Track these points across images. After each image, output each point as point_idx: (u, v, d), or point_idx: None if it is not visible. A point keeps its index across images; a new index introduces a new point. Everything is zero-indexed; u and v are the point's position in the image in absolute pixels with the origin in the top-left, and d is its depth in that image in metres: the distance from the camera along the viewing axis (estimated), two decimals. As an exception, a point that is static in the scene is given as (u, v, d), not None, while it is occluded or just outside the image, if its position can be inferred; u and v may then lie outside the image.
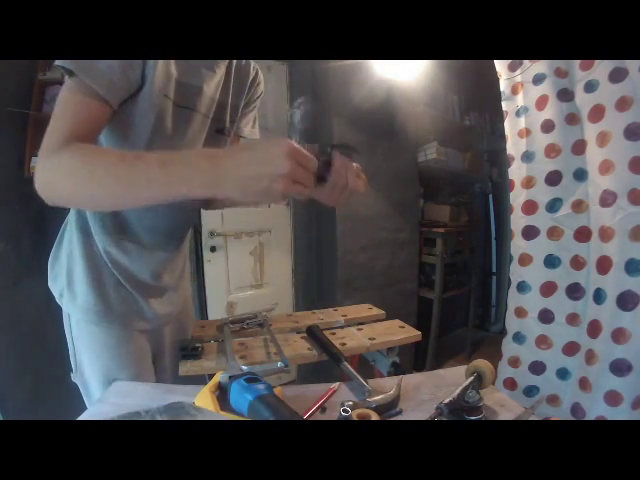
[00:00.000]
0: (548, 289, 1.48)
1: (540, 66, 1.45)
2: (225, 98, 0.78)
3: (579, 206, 1.40)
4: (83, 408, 0.63)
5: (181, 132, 0.71)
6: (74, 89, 0.56)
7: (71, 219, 0.78)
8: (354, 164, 0.61)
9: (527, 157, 1.53)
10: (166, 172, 0.49)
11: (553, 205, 1.46)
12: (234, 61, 0.78)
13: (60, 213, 0.77)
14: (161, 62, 0.62)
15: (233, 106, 0.82)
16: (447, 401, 0.58)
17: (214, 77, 0.73)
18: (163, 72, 0.63)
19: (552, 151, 1.45)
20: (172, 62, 0.65)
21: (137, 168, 0.50)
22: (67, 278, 0.75)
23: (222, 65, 0.74)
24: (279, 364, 0.77)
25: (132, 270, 0.78)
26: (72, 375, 0.79)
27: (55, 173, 0.53)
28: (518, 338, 1.57)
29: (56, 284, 0.78)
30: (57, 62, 0.55)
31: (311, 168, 0.50)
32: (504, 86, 1.60)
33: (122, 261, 0.76)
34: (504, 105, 1.62)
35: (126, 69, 0.58)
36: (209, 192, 0.49)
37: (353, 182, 0.59)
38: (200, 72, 0.70)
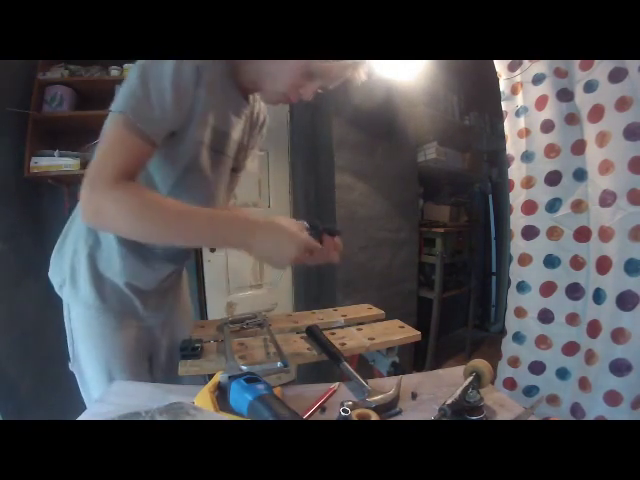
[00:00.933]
0: (548, 289, 1.48)
1: (540, 66, 1.45)
2: (243, 140, 0.85)
3: (579, 206, 1.40)
4: (83, 408, 0.63)
5: (210, 172, 0.77)
6: (125, 128, 0.59)
7: (79, 219, 0.81)
8: (337, 240, 0.81)
9: (527, 157, 1.53)
10: (212, 229, 0.64)
11: (553, 205, 1.46)
12: (251, 106, 0.83)
13: (59, 214, 0.78)
14: (202, 111, 0.68)
15: (246, 146, 0.88)
16: (450, 402, 0.58)
17: (239, 122, 0.79)
18: (203, 121, 0.69)
19: (552, 151, 1.45)
20: (211, 109, 0.70)
21: (191, 223, 0.62)
22: (70, 272, 0.79)
23: (246, 111, 0.80)
24: (279, 364, 0.77)
25: (133, 279, 0.81)
26: (70, 364, 0.83)
27: (113, 208, 0.58)
28: (518, 338, 1.57)
29: (57, 275, 0.82)
30: (112, 107, 0.60)
31: (311, 252, 0.69)
32: (504, 86, 1.60)
33: (125, 270, 0.79)
34: (504, 105, 1.62)
35: (174, 111, 0.63)
36: (239, 250, 0.65)
37: (332, 257, 0.80)
38: (230, 118, 0.76)
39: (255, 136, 0.92)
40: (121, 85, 0.63)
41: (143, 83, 0.59)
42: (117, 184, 0.57)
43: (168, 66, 0.60)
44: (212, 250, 2.09)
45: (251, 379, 0.59)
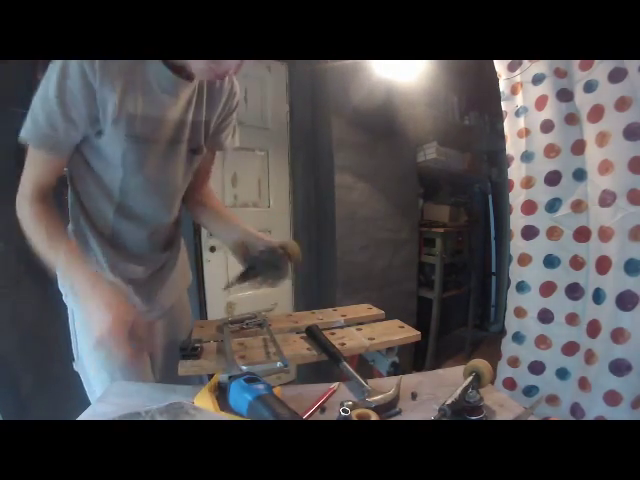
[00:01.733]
0: (547, 289, 1.48)
1: (539, 66, 1.45)
2: (198, 118, 0.79)
3: (578, 206, 1.40)
4: (83, 408, 0.63)
5: (151, 162, 0.76)
6: (31, 149, 0.71)
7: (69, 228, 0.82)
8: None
9: (526, 157, 1.53)
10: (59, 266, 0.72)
11: (552, 205, 1.46)
12: (203, 81, 0.78)
13: (59, 214, 0.78)
14: (117, 105, 0.66)
15: (206, 123, 0.82)
16: (450, 402, 0.58)
17: (178, 101, 0.73)
18: (122, 114, 0.68)
19: (551, 151, 1.45)
20: (131, 100, 0.68)
21: (48, 252, 0.71)
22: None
23: (187, 87, 0.73)
24: (278, 364, 0.77)
25: (122, 267, 0.82)
26: (74, 364, 0.84)
27: (23, 222, 0.73)
28: (517, 338, 1.57)
29: (62, 286, 0.82)
30: (20, 135, 0.70)
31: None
32: (503, 86, 1.60)
33: (113, 261, 0.81)
34: (503, 105, 1.62)
35: (68, 128, 0.67)
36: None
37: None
38: (161, 101, 0.71)
39: (221, 107, 0.84)
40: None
41: (34, 106, 0.67)
42: (31, 201, 0.72)
43: (52, 83, 0.62)
44: (212, 250, 2.09)
45: (251, 379, 0.59)
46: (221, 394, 0.61)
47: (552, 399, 1.45)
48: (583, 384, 1.31)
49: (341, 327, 1.07)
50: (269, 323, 1.03)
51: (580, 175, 1.39)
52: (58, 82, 0.61)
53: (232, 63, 0.65)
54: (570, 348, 1.42)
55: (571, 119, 1.40)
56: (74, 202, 0.80)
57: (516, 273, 1.58)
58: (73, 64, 0.61)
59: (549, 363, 1.48)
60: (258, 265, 0.79)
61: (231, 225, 0.90)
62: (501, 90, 1.61)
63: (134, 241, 0.84)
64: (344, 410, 0.56)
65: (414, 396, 0.67)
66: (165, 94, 0.71)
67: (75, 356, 0.84)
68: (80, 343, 0.82)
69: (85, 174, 0.77)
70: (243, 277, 0.80)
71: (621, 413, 1.17)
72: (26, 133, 0.69)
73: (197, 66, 0.66)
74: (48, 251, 0.71)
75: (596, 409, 1.24)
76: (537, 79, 1.46)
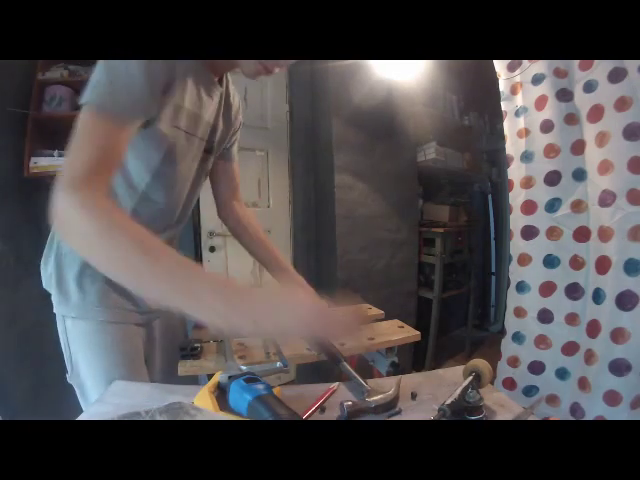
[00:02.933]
0: (547, 289, 1.48)
1: (539, 66, 1.45)
2: (217, 122, 0.84)
3: (578, 206, 1.40)
4: (81, 409, 0.63)
5: (184, 154, 0.76)
6: (92, 117, 0.55)
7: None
8: None
9: (526, 157, 1.53)
10: (176, 289, 0.46)
11: (552, 205, 1.46)
12: (223, 89, 0.83)
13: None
14: (176, 94, 0.67)
15: (223, 131, 0.88)
16: (449, 402, 0.58)
17: (211, 104, 0.78)
18: (172, 104, 0.68)
19: (551, 151, 1.45)
20: (182, 93, 0.69)
21: (152, 269, 0.47)
22: (57, 280, 0.77)
23: (218, 92, 0.79)
24: (278, 364, 0.77)
25: None
26: (67, 376, 0.81)
27: (73, 228, 0.50)
28: (517, 338, 1.57)
29: (49, 286, 0.80)
30: (82, 100, 0.55)
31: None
32: (503, 86, 1.60)
33: None
34: (503, 105, 1.62)
35: (147, 98, 0.60)
36: (207, 320, 0.45)
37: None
38: (202, 100, 0.75)
39: (233, 121, 0.92)
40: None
41: (108, 70, 0.56)
42: (87, 185, 0.50)
43: (132, 62, 0.57)
44: (212, 250, 2.09)
45: (250, 379, 0.59)
46: (221, 394, 0.61)
47: (552, 399, 1.45)
48: (583, 384, 1.31)
49: (341, 327, 1.07)
50: (269, 323, 1.02)
51: (580, 175, 1.39)
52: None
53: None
54: (570, 348, 1.42)
55: (571, 119, 1.40)
56: None
57: (516, 273, 1.58)
58: None
59: (549, 363, 1.48)
60: None
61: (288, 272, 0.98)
62: (501, 90, 1.61)
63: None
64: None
65: (414, 396, 0.67)
66: (204, 93, 0.74)
67: (69, 368, 0.80)
68: (75, 353, 0.79)
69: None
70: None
71: (621, 413, 1.17)
72: (92, 96, 0.55)
73: (249, 64, 0.68)
74: (145, 265, 0.47)
75: (596, 409, 1.24)
76: (537, 79, 1.47)
